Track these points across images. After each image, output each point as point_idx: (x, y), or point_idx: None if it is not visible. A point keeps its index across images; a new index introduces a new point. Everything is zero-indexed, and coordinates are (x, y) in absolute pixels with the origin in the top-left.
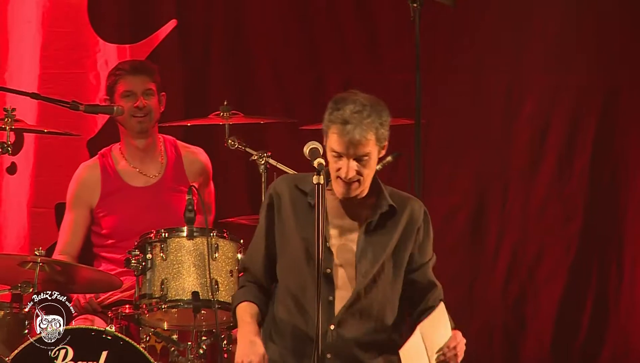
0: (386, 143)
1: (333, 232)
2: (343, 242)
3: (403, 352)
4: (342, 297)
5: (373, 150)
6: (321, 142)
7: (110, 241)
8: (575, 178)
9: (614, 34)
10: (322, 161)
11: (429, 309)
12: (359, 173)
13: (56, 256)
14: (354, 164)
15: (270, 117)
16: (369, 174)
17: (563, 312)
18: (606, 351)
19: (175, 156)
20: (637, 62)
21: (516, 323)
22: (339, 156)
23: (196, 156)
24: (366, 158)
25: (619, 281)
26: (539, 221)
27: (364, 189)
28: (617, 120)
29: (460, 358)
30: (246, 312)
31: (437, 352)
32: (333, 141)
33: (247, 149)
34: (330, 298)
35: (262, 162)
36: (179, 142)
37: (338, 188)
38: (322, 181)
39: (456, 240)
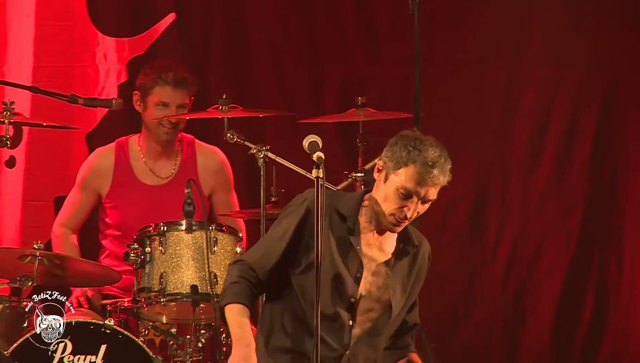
0: None
1: (363, 261)
2: (370, 273)
3: None
4: (360, 324)
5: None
6: (321, 136)
7: (116, 233)
8: (575, 171)
9: (614, 28)
10: (321, 154)
11: (403, 348)
12: (418, 212)
13: (57, 227)
14: (420, 206)
15: (269, 111)
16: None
17: (563, 306)
18: (606, 345)
19: (189, 156)
20: (637, 56)
21: (516, 317)
22: (409, 195)
23: (212, 157)
24: (431, 201)
25: (618, 275)
26: (538, 215)
27: None
28: (617, 114)
29: None
30: (242, 314)
31: None
32: (411, 179)
33: (246, 143)
34: (350, 322)
35: (261, 156)
36: (197, 141)
37: (388, 223)
38: (321, 175)
39: (456, 234)
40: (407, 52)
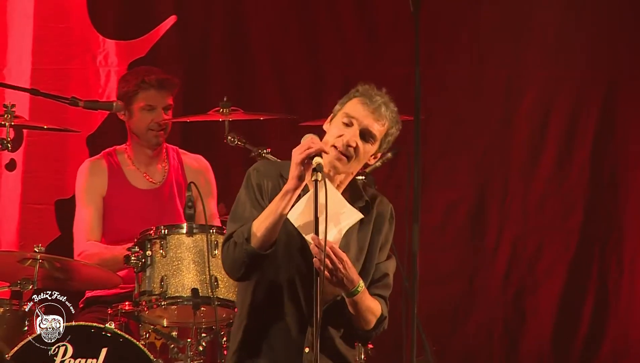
0: (380, 153)
1: None
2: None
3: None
4: (326, 295)
5: (377, 140)
6: (322, 138)
7: (111, 238)
8: (575, 172)
9: (614, 29)
10: (320, 159)
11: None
12: (357, 147)
13: (84, 244)
14: (358, 136)
15: (270, 114)
16: (360, 159)
17: (563, 306)
18: (606, 345)
19: (177, 163)
20: (637, 56)
21: (516, 317)
22: (350, 123)
23: (197, 160)
24: (371, 139)
25: (619, 275)
26: (538, 216)
27: (346, 172)
28: (617, 114)
29: (339, 276)
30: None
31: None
32: (352, 106)
33: (247, 146)
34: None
35: (262, 158)
36: (180, 150)
37: (328, 157)
38: (319, 178)
39: (456, 235)
40: (407, 52)
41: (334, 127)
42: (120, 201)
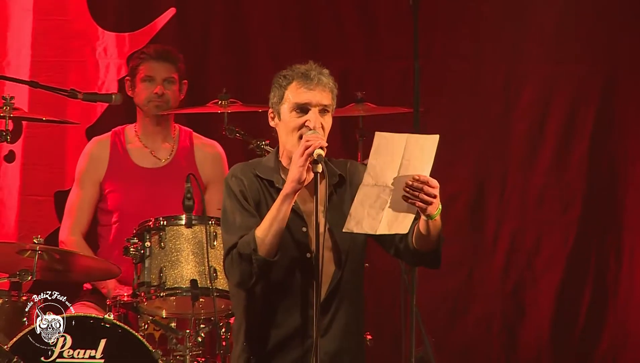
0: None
1: (303, 216)
2: (313, 226)
3: (380, 137)
4: (324, 281)
5: (331, 107)
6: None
7: (114, 219)
8: (574, 166)
9: (612, 23)
10: (321, 151)
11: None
12: (322, 127)
13: (66, 238)
14: (319, 116)
15: (269, 106)
16: (326, 132)
17: (562, 300)
18: (605, 338)
19: (187, 145)
20: (635, 51)
21: (515, 311)
22: (304, 110)
23: (209, 148)
24: (328, 111)
25: (617, 269)
26: (537, 210)
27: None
28: (615, 109)
29: (434, 206)
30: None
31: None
32: (298, 94)
33: (246, 138)
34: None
35: (260, 150)
36: (195, 134)
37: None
38: (319, 170)
39: (455, 228)
40: (406, 46)
41: (289, 122)
42: (121, 182)
